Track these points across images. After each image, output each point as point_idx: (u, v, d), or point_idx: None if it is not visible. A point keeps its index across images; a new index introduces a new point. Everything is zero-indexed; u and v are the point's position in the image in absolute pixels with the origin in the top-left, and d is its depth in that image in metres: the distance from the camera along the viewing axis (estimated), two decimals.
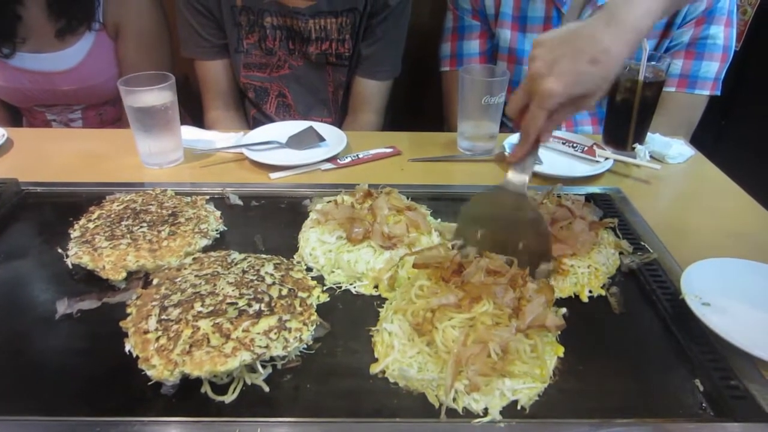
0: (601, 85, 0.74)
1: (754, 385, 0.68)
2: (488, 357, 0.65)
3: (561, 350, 0.72)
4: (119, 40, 1.51)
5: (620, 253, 0.91)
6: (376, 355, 0.72)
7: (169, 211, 0.95)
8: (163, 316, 0.70)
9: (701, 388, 0.68)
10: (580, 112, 0.76)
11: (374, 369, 0.70)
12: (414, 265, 0.79)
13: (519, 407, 0.65)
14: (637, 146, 1.23)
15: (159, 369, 0.64)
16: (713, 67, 1.39)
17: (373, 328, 0.76)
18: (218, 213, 0.99)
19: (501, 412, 0.64)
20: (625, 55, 0.74)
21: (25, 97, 1.56)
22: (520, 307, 0.70)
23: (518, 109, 0.78)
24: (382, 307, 0.80)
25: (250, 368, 0.68)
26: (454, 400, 0.65)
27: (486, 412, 0.64)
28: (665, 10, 0.76)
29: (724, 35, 1.37)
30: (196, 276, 0.78)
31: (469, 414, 0.64)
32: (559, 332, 0.72)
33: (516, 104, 0.79)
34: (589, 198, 1.05)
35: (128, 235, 0.88)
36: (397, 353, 0.69)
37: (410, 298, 0.74)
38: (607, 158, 1.21)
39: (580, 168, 1.20)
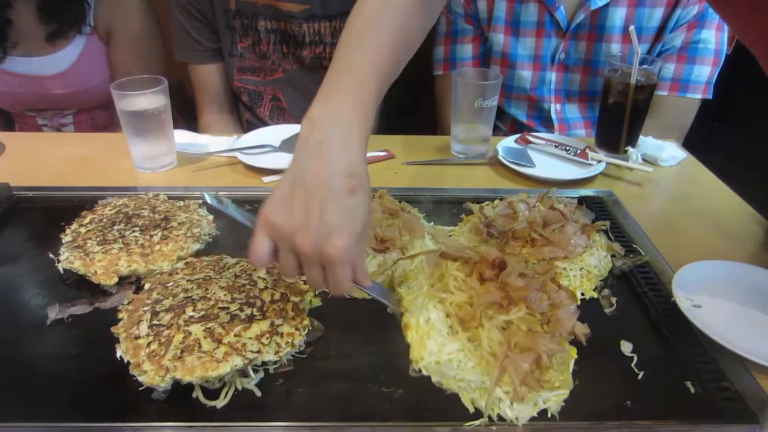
0: (368, 217, 0.63)
1: (744, 387, 0.68)
2: (534, 365, 0.63)
3: (575, 352, 0.72)
4: (111, 44, 1.51)
5: (612, 256, 0.91)
6: (407, 340, 0.69)
7: (162, 216, 0.95)
8: (155, 322, 0.70)
9: (692, 390, 0.69)
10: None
11: (414, 359, 0.67)
12: (442, 255, 0.76)
13: (549, 415, 0.64)
14: (630, 149, 1.23)
15: (150, 375, 0.64)
16: (705, 71, 1.40)
17: (403, 310, 0.71)
18: (211, 217, 0.99)
19: (490, 416, 0.64)
20: (364, 160, 0.64)
21: (16, 101, 1.55)
22: (548, 312, 0.69)
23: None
24: (376, 310, 0.80)
25: (242, 373, 0.68)
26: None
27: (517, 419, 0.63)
28: (378, 95, 0.67)
29: (715, 39, 1.38)
30: (188, 280, 0.78)
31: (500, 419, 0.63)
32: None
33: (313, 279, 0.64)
34: (582, 201, 1.05)
35: (120, 240, 0.88)
36: (434, 345, 0.66)
37: (446, 287, 0.71)
38: (599, 161, 1.21)
39: (572, 171, 1.21)
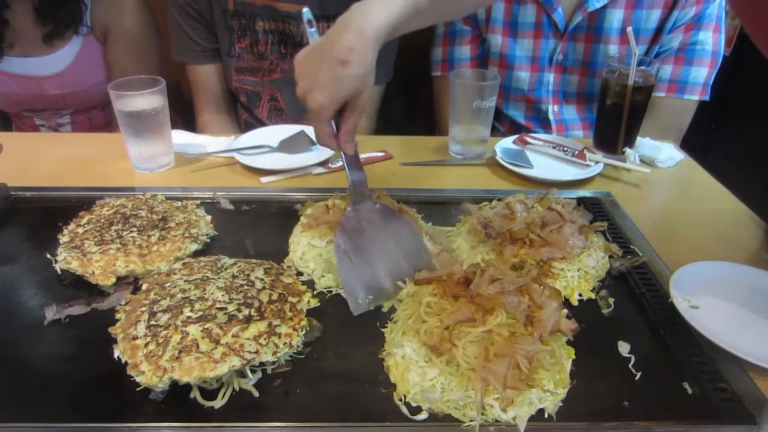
0: (360, 84, 0.76)
1: (741, 388, 0.68)
2: (515, 369, 0.63)
3: (572, 352, 0.71)
4: (107, 44, 1.51)
5: (610, 257, 0.92)
6: (392, 380, 0.69)
7: (159, 216, 0.95)
8: (152, 322, 0.70)
9: (689, 391, 0.69)
10: (361, 113, 0.79)
11: (396, 395, 0.67)
12: (416, 282, 0.77)
13: (546, 416, 0.65)
14: (627, 150, 1.24)
15: (148, 375, 0.64)
16: (702, 73, 1.41)
17: (384, 351, 0.73)
18: (209, 217, 0.99)
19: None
20: (370, 50, 0.75)
21: (13, 101, 1.55)
22: (532, 313, 0.69)
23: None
24: (372, 311, 0.80)
25: (240, 373, 0.68)
26: (483, 414, 0.64)
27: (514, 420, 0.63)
28: (402, 14, 0.78)
29: (712, 41, 1.39)
30: (185, 281, 0.78)
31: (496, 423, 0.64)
32: (573, 335, 0.71)
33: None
34: (580, 201, 1.05)
35: (118, 240, 0.88)
36: (415, 375, 0.67)
37: (419, 316, 0.71)
38: (597, 162, 1.22)
39: (570, 172, 1.21)
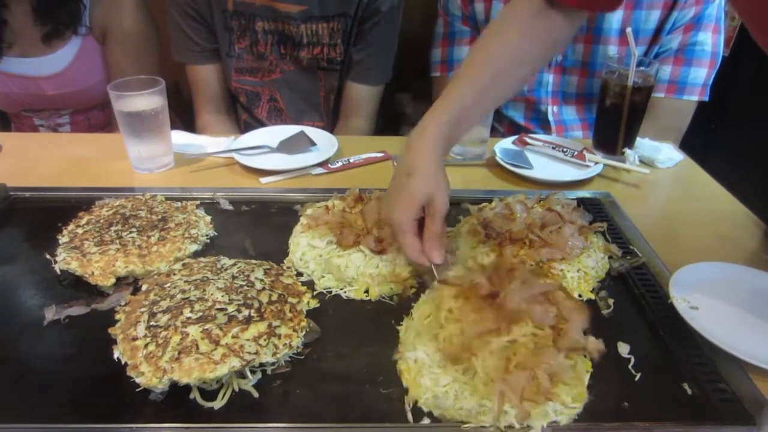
0: (430, 188, 0.79)
1: (741, 389, 0.69)
2: (534, 381, 0.61)
3: (590, 365, 0.69)
4: (106, 44, 1.51)
5: (609, 257, 0.92)
6: (404, 384, 0.67)
7: (159, 216, 0.94)
8: (152, 323, 0.70)
9: (689, 391, 0.69)
10: (441, 219, 0.79)
11: (407, 400, 0.66)
12: (440, 281, 0.74)
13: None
14: (627, 151, 1.24)
15: (148, 376, 0.64)
16: (701, 73, 1.41)
17: (398, 354, 0.71)
18: (208, 218, 0.99)
19: None
20: (431, 154, 0.81)
21: (12, 101, 1.55)
22: (558, 324, 0.66)
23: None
24: (372, 312, 0.80)
25: (240, 374, 0.68)
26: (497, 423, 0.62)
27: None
28: (451, 115, 0.85)
29: (712, 42, 1.39)
30: (185, 281, 0.78)
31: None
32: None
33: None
34: (579, 202, 1.05)
35: (117, 241, 0.88)
36: (428, 380, 0.65)
37: (438, 320, 0.69)
38: (596, 162, 1.22)
39: (570, 172, 1.21)
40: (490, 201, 1.02)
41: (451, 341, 0.66)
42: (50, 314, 0.78)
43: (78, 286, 0.84)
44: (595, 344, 0.66)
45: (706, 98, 1.43)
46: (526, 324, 0.65)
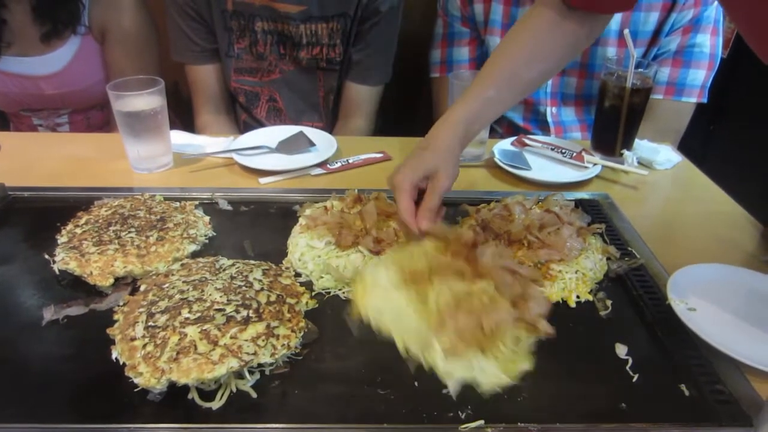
0: (438, 162, 0.83)
1: (738, 390, 0.69)
2: (477, 329, 0.62)
3: (532, 364, 0.65)
4: (106, 44, 1.51)
5: (608, 259, 0.92)
6: (352, 297, 0.68)
7: (158, 217, 0.95)
8: (150, 323, 0.70)
9: (687, 393, 0.69)
10: (440, 195, 0.81)
11: (353, 311, 0.66)
12: (423, 230, 0.76)
13: (479, 392, 0.62)
14: (625, 152, 1.24)
15: (146, 376, 0.64)
16: (700, 75, 1.41)
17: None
18: (207, 218, 0.99)
19: (486, 419, 0.64)
20: (449, 134, 0.86)
21: (11, 101, 1.55)
22: (518, 303, 0.66)
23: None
24: None
25: (238, 374, 0.68)
26: (424, 354, 0.62)
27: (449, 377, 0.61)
28: (473, 103, 0.91)
29: (710, 43, 1.39)
30: (183, 282, 0.78)
31: (439, 385, 0.63)
32: (541, 338, 0.66)
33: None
34: (578, 203, 1.05)
35: (116, 241, 0.88)
36: (378, 299, 0.66)
37: (409, 253, 0.70)
38: (595, 164, 1.22)
39: (568, 173, 1.21)
40: (488, 202, 1.02)
41: (414, 260, 0.67)
42: (49, 314, 0.77)
43: (76, 286, 0.84)
44: (546, 326, 0.66)
45: (704, 100, 1.44)
46: (489, 284, 0.66)
